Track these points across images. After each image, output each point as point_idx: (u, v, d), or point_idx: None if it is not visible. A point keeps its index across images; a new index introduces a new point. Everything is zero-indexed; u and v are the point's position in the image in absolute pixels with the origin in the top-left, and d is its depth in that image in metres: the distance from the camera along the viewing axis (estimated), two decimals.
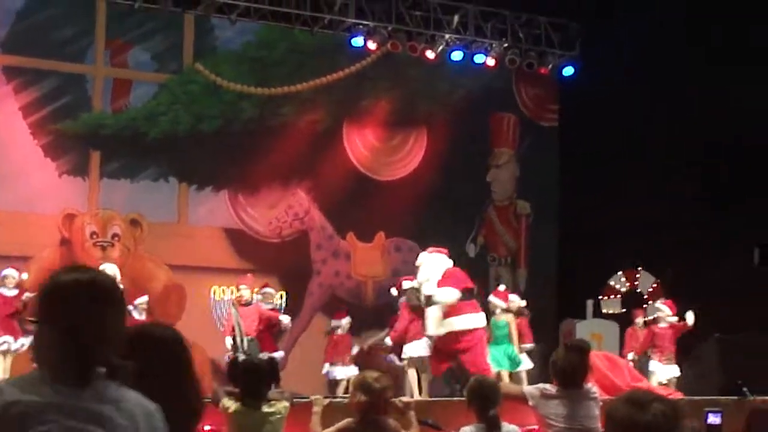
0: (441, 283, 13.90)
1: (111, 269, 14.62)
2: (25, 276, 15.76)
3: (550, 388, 7.61)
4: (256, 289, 16.83)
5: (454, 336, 13.82)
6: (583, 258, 20.32)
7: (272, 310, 16.72)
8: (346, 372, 17.22)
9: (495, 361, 15.44)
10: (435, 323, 13.85)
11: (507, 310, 16.61)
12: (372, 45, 20.39)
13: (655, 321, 16.23)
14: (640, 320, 17.72)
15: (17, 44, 18.76)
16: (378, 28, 20.21)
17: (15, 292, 15.43)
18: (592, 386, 7.80)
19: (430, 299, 13.99)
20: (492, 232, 22.10)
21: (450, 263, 14.31)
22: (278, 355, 15.11)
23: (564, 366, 7.60)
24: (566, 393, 7.56)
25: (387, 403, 7.14)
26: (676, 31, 19.10)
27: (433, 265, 14.08)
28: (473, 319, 13.85)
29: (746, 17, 18.17)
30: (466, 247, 21.57)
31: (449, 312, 13.70)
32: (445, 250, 14.56)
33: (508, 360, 15.98)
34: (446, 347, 13.91)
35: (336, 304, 19.88)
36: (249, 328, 15.85)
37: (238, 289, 16.60)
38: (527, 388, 7.75)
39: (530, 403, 7.64)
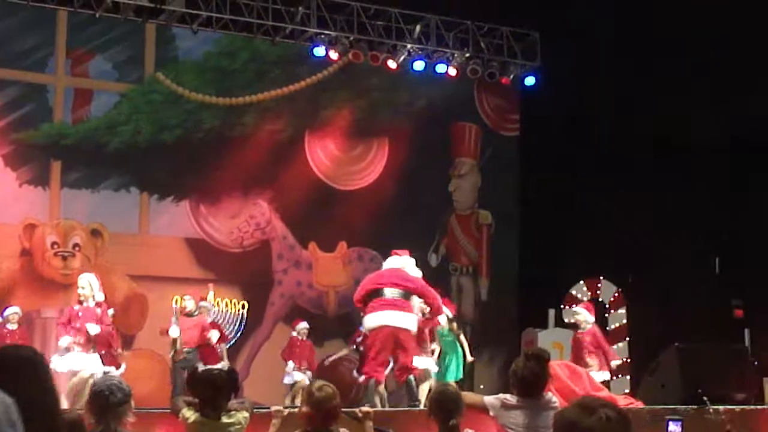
0: None
1: (88, 278, 14.60)
2: None
3: (510, 398, 7.62)
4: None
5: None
6: (545, 267, 20.39)
7: (212, 323, 16.46)
8: (297, 377, 17.18)
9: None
10: None
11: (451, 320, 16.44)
12: (334, 55, 20.43)
13: (576, 326, 16.16)
14: None
15: None
16: (340, 38, 20.25)
17: None
18: (552, 396, 7.83)
19: None
20: (454, 241, 22.15)
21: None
22: (221, 365, 14.75)
23: (524, 375, 7.61)
24: (526, 403, 7.57)
25: (334, 413, 7.18)
26: (636, 41, 19.20)
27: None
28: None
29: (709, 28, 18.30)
30: (428, 256, 21.59)
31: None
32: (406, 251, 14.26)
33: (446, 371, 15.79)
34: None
35: (298, 313, 19.89)
36: (190, 340, 15.71)
37: (183, 299, 16.49)
38: (488, 399, 7.76)
39: (491, 413, 7.65)
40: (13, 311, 16.08)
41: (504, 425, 7.56)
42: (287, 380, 17.32)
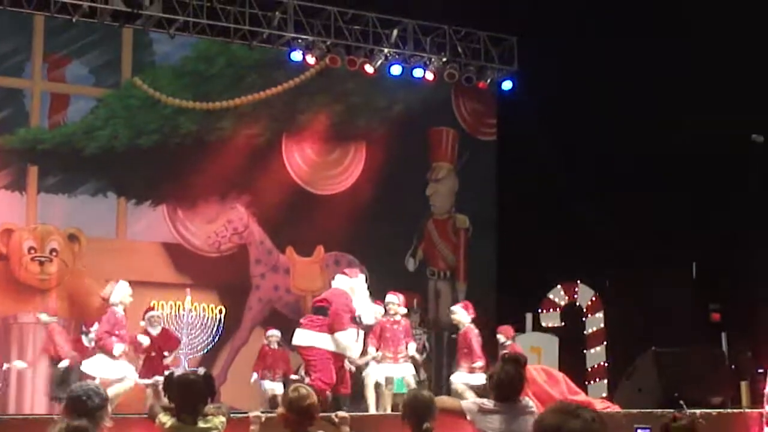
0: None
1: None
2: None
3: (487, 402, 7.64)
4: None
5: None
6: (522, 272, 20.42)
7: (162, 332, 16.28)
8: (269, 386, 17.14)
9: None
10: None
11: None
12: (311, 59, 20.43)
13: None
14: None
15: None
16: (317, 43, 20.26)
17: None
18: (529, 400, 7.84)
19: None
20: (431, 246, 22.16)
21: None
22: (157, 379, 14.57)
23: (500, 379, 7.63)
24: (503, 407, 7.58)
25: (310, 413, 7.20)
26: (613, 46, 19.26)
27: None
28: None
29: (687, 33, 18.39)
30: (405, 261, 21.64)
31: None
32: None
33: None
34: None
35: (275, 318, 19.88)
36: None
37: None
38: (465, 403, 7.77)
39: (468, 417, 7.66)
40: None
41: (481, 430, 7.57)
42: (261, 387, 17.27)
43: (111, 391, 13.45)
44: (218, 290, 19.68)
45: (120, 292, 14.30)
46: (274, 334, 17.56)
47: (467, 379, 14.97)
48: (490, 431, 7.54)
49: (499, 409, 7.57)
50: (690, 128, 18.22)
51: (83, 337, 16.17)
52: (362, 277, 13.64)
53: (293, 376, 17.03)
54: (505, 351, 15.21)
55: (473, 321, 15.83)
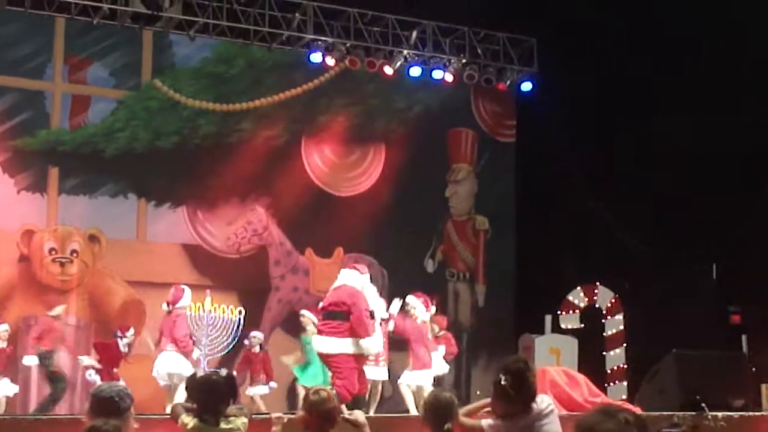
0: None
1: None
2: None
3: (500, 422, 7.51)
4: None
5: None
6: (542, 273, 20.42)
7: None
8: (255, 391, 17.07)
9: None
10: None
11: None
12: (330, 61, 20.46)
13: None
14: None
15: None
16: (336, 44, 20.28)
17: None
18: (545, 399, 7.75)
19: None
20: (450, 247, 22.15)
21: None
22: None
23: (509, 394, 7.50)
24: (527, 414, 7.50)
25: (331, 417, 7.23)
26: (633, 46, 19.24)
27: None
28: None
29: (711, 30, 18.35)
30: (424, 262, 21.64)
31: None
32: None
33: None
34: None
35: (295, 319, 19.90)
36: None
37: None
38: (485, 424, 7.64)
39: None
40: (3, 329, 16.20)
41: None
42: (249, 392, 17.13)
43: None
44: (238, 291, 19.68)
45: (188, 298, 14.93)
46: (257, 336, 17.49)
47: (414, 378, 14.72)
48: None
49: (520, 418, 7.49)
50: (711, 129, 18.19)
51: (119, 342, 16.23)
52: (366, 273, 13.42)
53: (272, 384, 17.11)
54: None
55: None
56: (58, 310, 16.70)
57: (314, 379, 15.24)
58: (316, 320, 15.62)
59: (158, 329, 15.01)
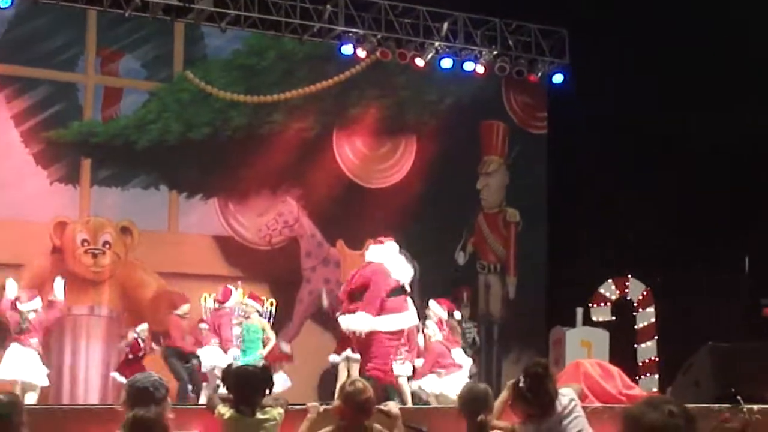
0: None
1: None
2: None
3: (538, 423, 7.53)
4: None
5: None
6: (573, 265, 20.37)
7: None
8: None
9: None
10: None
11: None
12: (361, 53, 20.44)
13: None
14: None
15: (9, 53, 18.82)
16: (367, 36, 20.26)
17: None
18: (568, 394, 7.73)
19: None
20: (481, 239, 22.13)
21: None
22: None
23: (540, 394, 7.52)
24: (550, 416, 7.52)
25: (366, 407, 7.25)
26: (665, 38, 19.16)
27: None
28: None
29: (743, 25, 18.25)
30: (455, 254, 21.63)
31: None
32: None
33: None
34: None
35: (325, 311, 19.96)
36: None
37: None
38: (518, 427, 7.66)
39: None
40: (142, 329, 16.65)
41: None
42: None
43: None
44: (269, 283, 19.72)
45: (236, 298, 15.75)
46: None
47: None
48: None
49: (550, 418, 7.51)
50: (744, 123, 18.11)
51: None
52: (393, 244, 13.30)
53: None
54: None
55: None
56: (185, 308, 16.67)
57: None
58: (260, 308, 15.77)
59: (207, 324, 15.30)
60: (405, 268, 13.10)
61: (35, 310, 15.05)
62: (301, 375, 17.99)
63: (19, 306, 14.87)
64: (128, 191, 19.52)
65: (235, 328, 15.81)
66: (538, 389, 7.49)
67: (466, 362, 15.06)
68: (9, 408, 6.40)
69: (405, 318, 12.67)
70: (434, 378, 14.49)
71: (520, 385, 7.54)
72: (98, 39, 19.53)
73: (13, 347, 14.55)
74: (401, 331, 12.58)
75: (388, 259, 12.86)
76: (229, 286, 15.72)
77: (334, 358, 13.94)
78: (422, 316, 14.50)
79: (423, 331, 14.73)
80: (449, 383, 14.30)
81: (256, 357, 15.33)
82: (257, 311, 15.95)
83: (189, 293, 18.59)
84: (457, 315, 15.94)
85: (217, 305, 15.87)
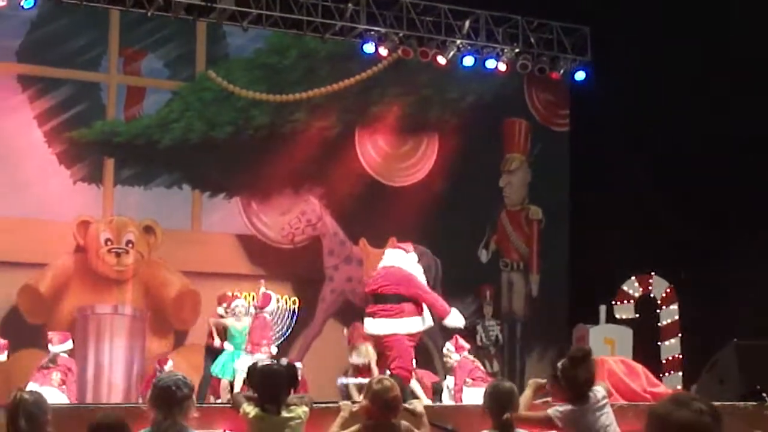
0: None
1: None
2: None
3: (567, 404, 7.65)
4: None
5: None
6: (596, 263, 20.31)
7: None
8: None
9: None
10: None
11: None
12: (383, 51, 20.43)
13: None
14: None
15: (32, 53, 18.93)
16: (389, 35, 20.25)
17: None
18: (600, 389, 7.83)
19: None
20: (504, 237, 22.11)
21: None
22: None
23: (573, 380, 7.64)
24: (583, 403, 7.62)
25: (393, 405, 7.25)
26: (688, 34, 19.10)
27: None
28: None
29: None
30: (478, 252, 21.61)
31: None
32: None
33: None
34: None
35: (349, 309, 19.98)
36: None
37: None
38: (552, 412, 7.76)
39: (560, 424, 7.66)
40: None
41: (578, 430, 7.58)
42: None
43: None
44: (292, 282, 19.77)
45: (274, 304, 16.00)
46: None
47: None
48: (583, 429, 7.55)
49: (583, 406, 7.59)
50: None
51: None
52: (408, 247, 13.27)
53: None
54: None
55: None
56: (220, 310, 16.65)
57: (222, 370, 15.33)
58: (252, 310, 15.71)
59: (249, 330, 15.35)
60: (420, 271, 13.10)
61: (66, 351, 15.05)
62: (323, 374, 17.98)
63: (51, 348, 14.83)
64: (151, 190, 19.58)
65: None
66: (576, 372, 7.60)
67: None
68: (34, 407, 6.42)
69: (422, 321, 12.69)
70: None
71: (563, 368, 7.66)
72: (121, 39, 19.60)
73: (30, 386, 14.31)
74: (417, 334, 12.61)
75: (404, 263, 12.84)
76: (269, 292, 15.71)
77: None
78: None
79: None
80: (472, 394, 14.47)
81: (227, 363, 15.40)
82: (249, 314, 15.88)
83: (212, 292, 18.69)
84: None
85: (257, 311, 15.86)
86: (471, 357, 15.32)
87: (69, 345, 15.04)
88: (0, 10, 18.26)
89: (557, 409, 7.73)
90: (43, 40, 18.98)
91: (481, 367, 15.23)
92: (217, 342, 16.01)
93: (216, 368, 15.57)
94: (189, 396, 6.76)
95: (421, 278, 12.78)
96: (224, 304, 16.49)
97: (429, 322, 12.69)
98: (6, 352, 14.98)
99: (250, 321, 15.69)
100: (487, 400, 7.61)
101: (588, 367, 7.74)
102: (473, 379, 14.79)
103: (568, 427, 7.61)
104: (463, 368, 14.94)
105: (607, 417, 7.74)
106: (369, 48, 20.25)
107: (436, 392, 15.12)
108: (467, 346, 15.40)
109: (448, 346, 15.28)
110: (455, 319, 12.55)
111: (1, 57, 18.80)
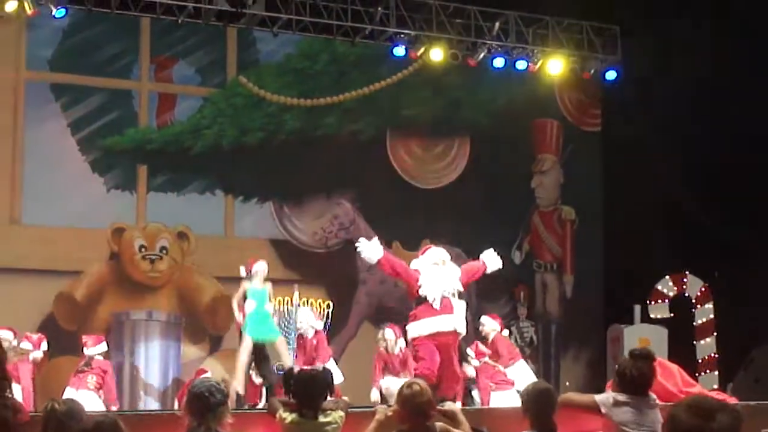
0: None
1: None
2: None
3: (620, 396, 7.70)
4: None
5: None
6: (630, 263, 20.26)
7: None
8: None
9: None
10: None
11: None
12: (413, 54, 20.42)
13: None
14: None
15: (64, 62, 19.08)
16: (419, 37, 20.25)
17: None
18: (652, 394, 7.89)
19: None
20: (537, 238, 22.09)
21: None
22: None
23: (633, 375, 7.69)
24: (635, 401, 7.65)
25: (427, 413, 7.25)
26: (718, 33, 19.02)
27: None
28: None
29: None
30: (511, 253, 21.56)
31: None
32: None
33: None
34: None
35: (383, 312, 20.01)
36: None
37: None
38: (599, 398, 7.79)
39: (603, 410, 7.71)
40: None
41: (618, 423, 7.60)
42: None
43: None
44: (326, 285, 19.81)
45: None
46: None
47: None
48: (625, 423, 7.57)
49: (632, 402, 7.62)
50: None
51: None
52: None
53: None
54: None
55: None
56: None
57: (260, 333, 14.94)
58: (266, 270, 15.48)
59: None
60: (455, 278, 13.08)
61: (102, 354, 15.02)
62: (358, 377, 17.98)
63: (86, 351, 14.84)
64: (184, 196, 19.67)
65: None
66: (647, 371, 7.73)
67: (524, 376, 15.07)
68: (66, 416, 6.48)
69: (444, 321, 12.70)
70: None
71: (625, 364, 7.73)
72: (152, 46, 19.71)
73: (68, 391, 14.10)
74: (439, 334, 12.62)
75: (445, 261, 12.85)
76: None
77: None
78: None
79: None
80: (497, 398, 14.56)
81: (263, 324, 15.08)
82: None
83: None
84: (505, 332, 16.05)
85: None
86: (492, 362, 15.33)
87: (103, 347, 15.00)
88: (32, 20, 18.39)
89: (603, 395, 7.80)
90: (75, 49, 19.13)
91: (503, 370, 15.21)
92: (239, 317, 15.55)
93: (253, 332, 15.15)
94: (222, 402, 6.78)
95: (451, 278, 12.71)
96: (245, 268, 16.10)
97: (447, 326, 12.60)
98: (42, 349, 14.73)
99: (270, 286, 15.47)
100: (525, 400, 7.62)
101: (640, 365, 7.80)
102: (495, 383, 14.90)
103: (610, 414, 7.64)
104: (485, 373, 15.03)
105: (660, 417, 7.79)
106: (399, 51, 20.25)
107: (466, 395, 15.13)
108: (488, 351, 15.41)
109: (469, 352, 15.31)
110: (492, 260, 12.81)
111: (34, 66, 18.96)
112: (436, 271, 12.62)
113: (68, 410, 6.60)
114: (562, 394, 7.67)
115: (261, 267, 15.40)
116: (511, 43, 20.82)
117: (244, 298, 14.97)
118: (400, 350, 15.75)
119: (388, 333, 15.78)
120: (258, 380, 15.25)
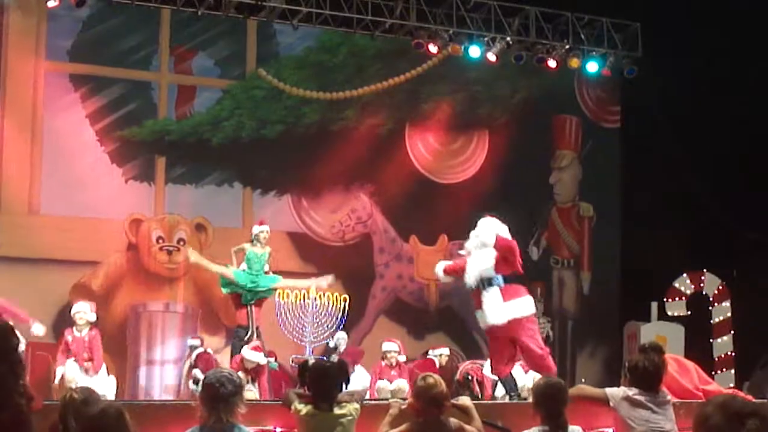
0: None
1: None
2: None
3: (631, 390, 7.68)
4: None
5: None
6: (647, 260, 20.22)
7: None
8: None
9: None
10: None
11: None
12: (433, 48, 20.40)
13: None
14: None
15: (84, 53, 19.10)
16: (439, 32, 20.23)
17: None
18: (665, 389, 7.87)
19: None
20: (555, 234, 22.04)
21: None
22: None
23: (645, 368, 7.68)
24: (647, 396, 7.63)
25: (441, 406, 7.25)
26: (740, 29, 18.97)
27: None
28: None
29: None
30: (528, 249, 21.52)
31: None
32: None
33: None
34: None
35: (399, 307, 20.03)
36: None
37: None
38: (610, 391, 7.80)
39: (611, 404, 7.70)
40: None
41: (626, 417, 7.59)
42: None
43: None
44: (342, 279, 19.73)
45: None
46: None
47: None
48: (635, 419, 7.56)
49: (644, 398, 7.61)
50: None
51: None
52: None
53: None
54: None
55: None
56: None
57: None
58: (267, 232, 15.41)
59: None
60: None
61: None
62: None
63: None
64: (202, 188, 19.69)
65: None
66: (658, 364, 7.78)
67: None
68: (83, 405, 6.51)
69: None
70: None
71: (642, 362, 7.73)
72: (171, 38, 19.72)
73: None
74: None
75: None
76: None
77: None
78: None
79: None
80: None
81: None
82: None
83: None
84: None
85: None
86: None
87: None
88: (52, 11, 18.44)
89: (615, 389, 7.80)
90: (94, 40, 19.15)
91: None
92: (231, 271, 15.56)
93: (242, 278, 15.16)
94: (235, 393, 6.79)
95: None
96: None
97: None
98: (39, 324, 14.12)
99: (269, 251, 15.38)
100: (536, 396, 7.61)
101: (652, 356, 7.78)
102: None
103: (619, 408, 7.63)
104: None
105: (672, 414, 7.78)
106: (419, 45, 20.22)
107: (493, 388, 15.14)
108: None
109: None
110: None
111: (53, 56, 18.98)
112: None
113: (85, 399, 6.63)
114: (573, 389, 7.65)
115: (261, 229, 15.38)
116: (531, 38, 20.79)
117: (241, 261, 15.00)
118: (398, 363, 15.93)
119: (391, 345, 15.94)
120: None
